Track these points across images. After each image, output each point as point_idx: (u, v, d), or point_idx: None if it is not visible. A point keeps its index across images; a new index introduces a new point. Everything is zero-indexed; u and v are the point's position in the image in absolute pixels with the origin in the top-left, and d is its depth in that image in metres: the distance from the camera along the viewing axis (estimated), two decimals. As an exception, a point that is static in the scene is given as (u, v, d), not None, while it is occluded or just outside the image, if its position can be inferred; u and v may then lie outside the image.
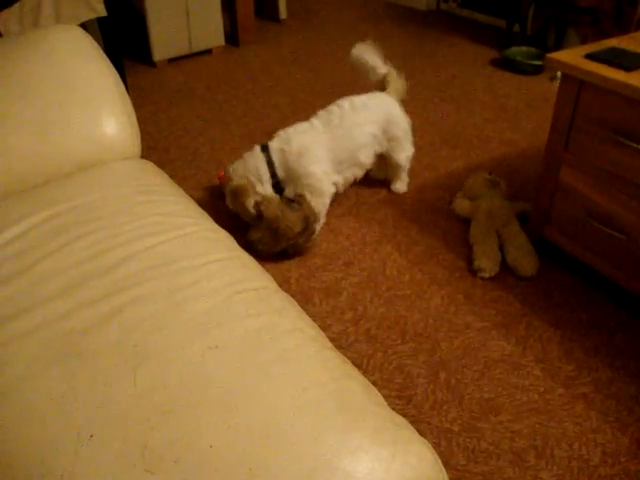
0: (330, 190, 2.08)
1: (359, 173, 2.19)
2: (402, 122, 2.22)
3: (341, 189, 2.18)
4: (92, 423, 0.85)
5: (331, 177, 2.07)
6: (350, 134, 2.07)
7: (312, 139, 2.02)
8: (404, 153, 2.27)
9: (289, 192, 2.06)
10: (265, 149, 2.02)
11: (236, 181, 2.00)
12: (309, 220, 1.93)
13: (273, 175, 2.02)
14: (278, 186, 2.05)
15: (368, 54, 2.26)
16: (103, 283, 1.07)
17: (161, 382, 0.89)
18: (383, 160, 2.29)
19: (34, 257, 1.16)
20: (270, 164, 2.01)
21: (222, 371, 0.89)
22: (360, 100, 2.14)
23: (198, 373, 0.89)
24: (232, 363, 0.90)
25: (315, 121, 2.08)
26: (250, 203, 1.97)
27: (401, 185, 2.36)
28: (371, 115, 2.12)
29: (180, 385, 0.88)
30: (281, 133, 2.06)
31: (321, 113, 2.12)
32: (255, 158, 2.01)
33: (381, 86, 2.29)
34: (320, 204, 2.05)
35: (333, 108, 2.11)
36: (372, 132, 2.12)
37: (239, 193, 1.98)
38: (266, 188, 2.03)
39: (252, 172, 2.02)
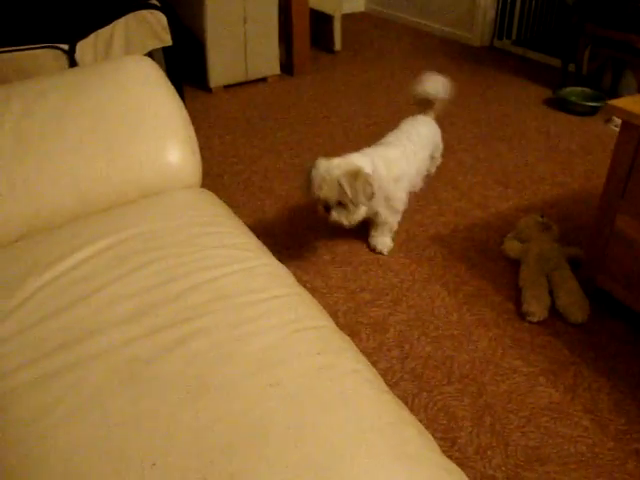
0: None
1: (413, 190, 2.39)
2: (441, 144, 2.52)
3: None
4: (154, 452, 0.87)
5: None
6: (417, 162, 2.26)
7: (406, 168, 2.17)
8: (435, 165, 2.60)
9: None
10: (368, 159, 2.04)
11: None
12: None
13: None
14: None
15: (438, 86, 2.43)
16: (167, 312, 1.11)
17: (222, 416, 0.91)
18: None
19: (100, 282, 1.21)
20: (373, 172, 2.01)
21: (282, 409, 0.91)
22: (419, 129, 2.33)
23: (259, 409, 0.91)
24: (292, 402, 0.92)
25: (403, 150, 2.18)
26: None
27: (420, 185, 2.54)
28: (427, 143, 2.35)
29: (241, 420, 0.90)
30: (379, 153, 2.11)
31: (400, 142, 2.21)
32: (360, 160, 1.99)
33: (426, 104, 2.49)
34: (396, 220, 2.26)
35: (403, 139, 2.23)
36: (426, 156, 2.36)
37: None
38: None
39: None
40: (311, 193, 1.93)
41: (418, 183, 2.36)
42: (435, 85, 2.43)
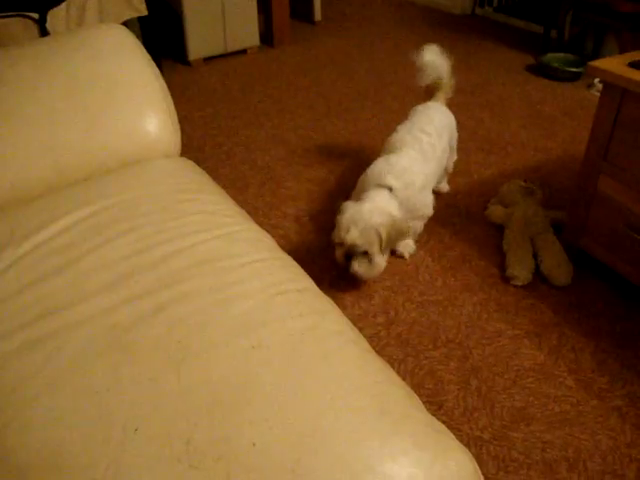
0: None
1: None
2: (456, 133, 2.28)
3: None
4: (137, 417, 0.86)
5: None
6: (437, 154, 2.05)
7: (426, 170, 1.98)
8: (452, 159, 2.35)
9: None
10: (391, 189, 1.86)
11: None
12: None
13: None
14: None
15: (438, 61, 2.28)
16: (147, 279, 1.09)
17: (205, 379, 0.90)
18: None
19: (79, 251, 1.19)
20: (400, 204, 1.87)
21: (265, 370, 0.90)
22: (431, 117, 2.12)
23: (241, 371, 0.90)
24: (275, 363, 0.91)
25: (419, 148, 1.99)
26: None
27: (444, 185, 2.40)
28: (444, 133, 2.12)
29: (223, 383, 0.89)
30: (393, 166, 1.90)
31: (414, 137, 2.01)
32: (389, 203, 1.83)
33: (432, 87, 2.32)
34: (422, 224, 2.08)
35: (416, 133, 2.02)
36: (445, 148, 2.13)
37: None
38: None
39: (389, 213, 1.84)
40: (336, 236, 1.79)
41: (440, 177, 2.20)
42: (433, 55, 2.26)
